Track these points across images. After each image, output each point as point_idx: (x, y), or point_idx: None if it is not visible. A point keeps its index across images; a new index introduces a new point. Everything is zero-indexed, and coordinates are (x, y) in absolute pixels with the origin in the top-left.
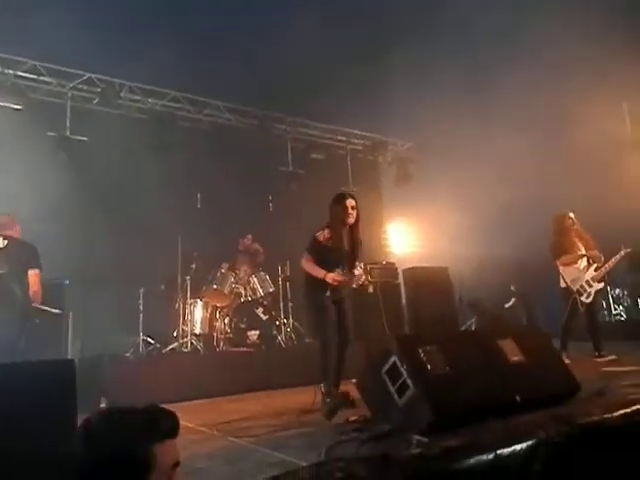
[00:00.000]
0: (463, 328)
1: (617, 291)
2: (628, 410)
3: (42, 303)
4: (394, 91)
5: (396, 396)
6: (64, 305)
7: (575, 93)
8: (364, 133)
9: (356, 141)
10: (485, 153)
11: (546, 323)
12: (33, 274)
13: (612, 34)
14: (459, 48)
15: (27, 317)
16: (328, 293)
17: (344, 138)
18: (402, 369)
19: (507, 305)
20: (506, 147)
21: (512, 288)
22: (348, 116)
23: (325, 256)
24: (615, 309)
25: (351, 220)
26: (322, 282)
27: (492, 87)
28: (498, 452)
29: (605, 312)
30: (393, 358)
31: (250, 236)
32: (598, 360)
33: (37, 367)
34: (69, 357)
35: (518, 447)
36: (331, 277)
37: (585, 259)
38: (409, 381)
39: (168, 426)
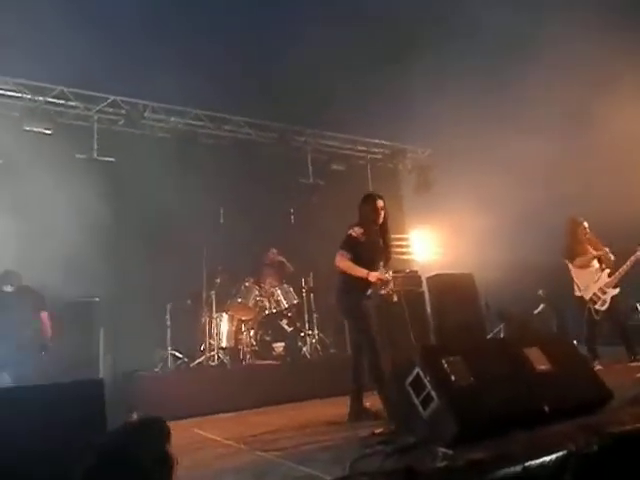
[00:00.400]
0: (490, 335)
1: None
2: None
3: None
4: (412, 98)
5: (420, 408)
6: (95, 322)
7: (593, 92)
8: (383, 142)
9: (376, 150)
10: (506, 156)
11: (577, 329)
12: (44, 315)
13: (629, 31)
14: (476, 51)
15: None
16: (369, 292)
17: (364, 148)
18: (426, 380)
19: (536, 311)
20: (527, 149)
21: (540, 293)
22: (367, 125)
23: (360, 253)
24: None
25: (380, 220)
26: (361, 281)
27: (510, 89)
28: (526, 464)
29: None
30: (416, 369)
31: (275, 250)
32: (632, 365)
33: (66, 388)
34: (101, 372)
35: (547, 459)
36: (375, 276)
37: (596, 263)
38: (433, 393)
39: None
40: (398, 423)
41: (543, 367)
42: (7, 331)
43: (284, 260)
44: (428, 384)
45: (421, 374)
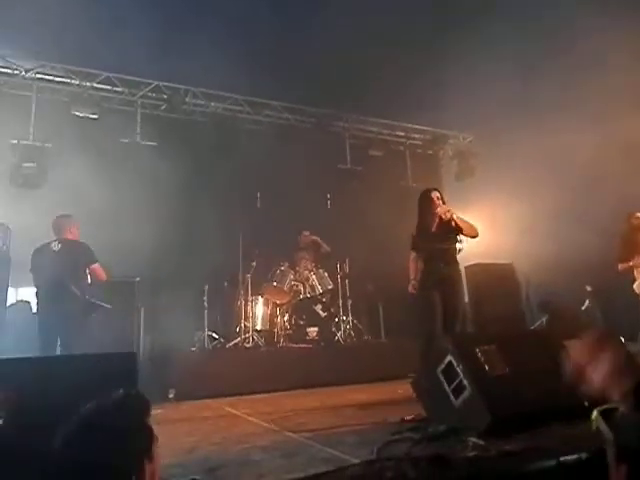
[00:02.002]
0: (532, 328)
1: None
2: None
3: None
4: (455, 82)
5: (452, 396)
6: (135, 301)
7: None
8: (423, 127)
9: (415, 136)
10: (554, 145)
11: (627, 327)
12: (95, 268)
13: None
14: (524, 33)
15: (86, 313)
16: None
17: (403, 133)
18: (458, 369)
19: (582, 307)
20: (579, 138)
21: (588, 288)
22: (407, 110)
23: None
24: None
25: (439, 210)
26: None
27: (561, 76)
28: (562, 459)
29: None
30: (449, 357)
31: (307, 232)
32: None
33: (99, 359)
34: (140, 350)
35: (584, 455)
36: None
37: None
38: (465, 381)
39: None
40: (429, 411)
41: None
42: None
43: (318, 239)
44: (461, 372)
45: (454, 362)
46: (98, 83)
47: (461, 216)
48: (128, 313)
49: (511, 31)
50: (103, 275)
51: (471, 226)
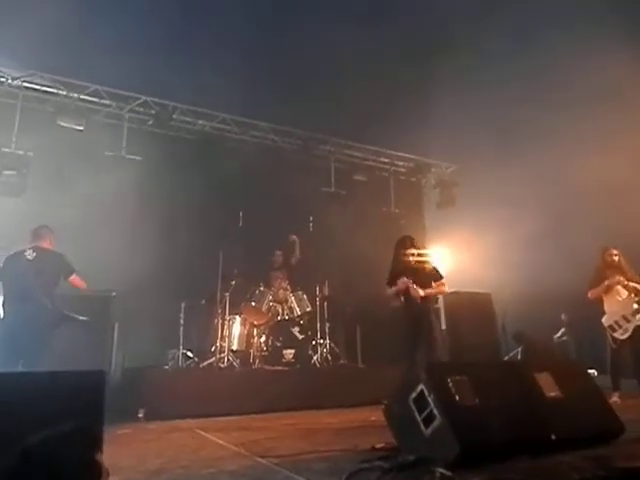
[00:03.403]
0: (507, 358)
1: None
2: None
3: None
4: (439, 113)
5: (422, 426)
6: (110, 316)
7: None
8: (407, 155)
9: (399, 163)
10: (532, 177)
11: (597, 358)
12: (73, 279)
13: None
14: (503, 66)
15: (54, 325)
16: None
17: (387, 160)
18: (429, 398)
19: (556, 336)
20: (553, 170)
21: (563, 318)
22: (392, 138)
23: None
24: None
25: (412, 293)
26: None
27: (538, 106)
28: None
29: None
30: (421, 386)
31: (279, 252)
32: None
33: (66, 377)
34: (112, 366)
35: None
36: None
37: (624, 291)
38: (436, 411)
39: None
40: (399, 439)
41: (553, 394)
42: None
43: (297, 241)
44: (431, 402)
45: (425, 391)
46: (86, 95)
47: (433, 285)
48: (102, 328)
49: (495, 64)
50: (83, 284)
51: (441, 291)
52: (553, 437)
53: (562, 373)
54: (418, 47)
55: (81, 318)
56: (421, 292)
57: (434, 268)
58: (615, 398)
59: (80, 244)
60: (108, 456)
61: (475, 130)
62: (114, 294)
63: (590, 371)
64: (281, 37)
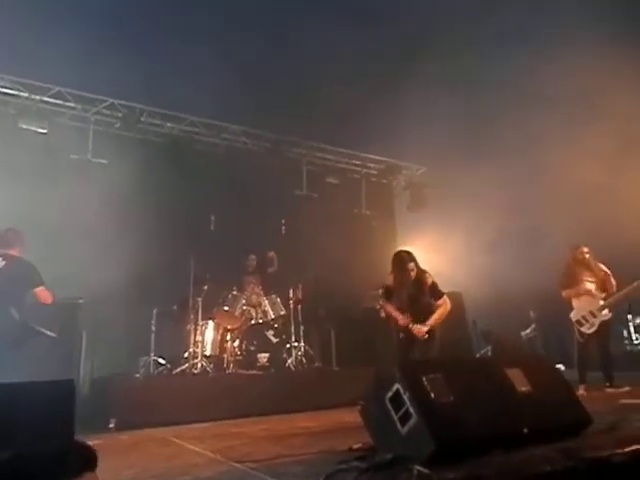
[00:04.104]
0: (478, 356)
1: (638, 320)
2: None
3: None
4: (409, 115)
5: (399, 425)
6: (78, 324)
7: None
8: (379, 157)
9: (371, 165)
10: (502, 178)
11: (564, 352)
12: (40, 291)
13: (614, 61)
14: (473, 72)
15: (22, 340)
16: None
17: (359, 162)
18: (405, 397)
19: (524, 332)
20: (524, 171)
21: (531, 314)
22: (363, 140)
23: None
24: (637, 338)
25: (415, 331)
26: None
27: (508, 111)
28: None
29: (626, 342)
30: (396, 385)
31: (253, 256)
32: (610, 391)
33: (35, 388)
34: (81, 375)
35: None
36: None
37: (592, 287)
38: (412, 409)
39: (81, 461)
40: (376, 439)
41: (524, 388)
42: None
43: (274, 257)
44: (407, 400)
45: (401, 390)
46: (49, 97)
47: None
48: (70, 336)
49: (467, 67)
50: (49, 299)
51: (442, 315)
52: (525, 430)
53: (531, 368)
54: (388, 50)
55: (49, 334)
56: (424, 328)
57: (434, 283)
58: (581, 391)
59: (44, 250)
60: None
61: (445, 132)
62: (81, 301)
63: (558, 366)
64: (251, 39)
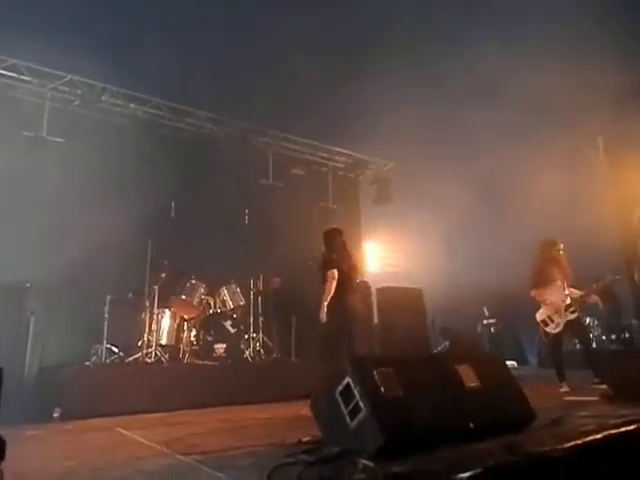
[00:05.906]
0: (436, 352)
1: (588, 320)
2: (579, 442)
3: None
4: (377, 111)
5: (348, 418)
6: (24, 309)
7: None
8: (346, 151)
9: (338, 158)
10: (466, 176)
11: (518, 349)
12: None
13: (586, 69)
14: (441, 69)
15: None
16: None
17: (326, 155)
18: (355, 390)
19: (479, 328)
20: (488, 170)
21: (485, 311)
22: (331, 134)
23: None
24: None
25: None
26: None
27: (475, 110)
28: None
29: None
30: (347, 379)
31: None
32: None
33: None
34: (27, 363)
35: (465, 475)
36: None
37: (561, 287)
38: (361, 403)
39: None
40: (325, 432)
41: (472, 384)
42: None
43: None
44: (357, 394)
45: (351, 384)
46: (3, 69)
47: None
48: (15, 322)
49: (431, 63)
50: None
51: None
52: (471, 425)
53: (482, 365)
54: (355, 44)
55: None
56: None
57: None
58: (565, 388)
59: None
60: (10, 460)
61: (411, 128)
62: (29, 285)
63: (509, 363)
64: (219, 23)
